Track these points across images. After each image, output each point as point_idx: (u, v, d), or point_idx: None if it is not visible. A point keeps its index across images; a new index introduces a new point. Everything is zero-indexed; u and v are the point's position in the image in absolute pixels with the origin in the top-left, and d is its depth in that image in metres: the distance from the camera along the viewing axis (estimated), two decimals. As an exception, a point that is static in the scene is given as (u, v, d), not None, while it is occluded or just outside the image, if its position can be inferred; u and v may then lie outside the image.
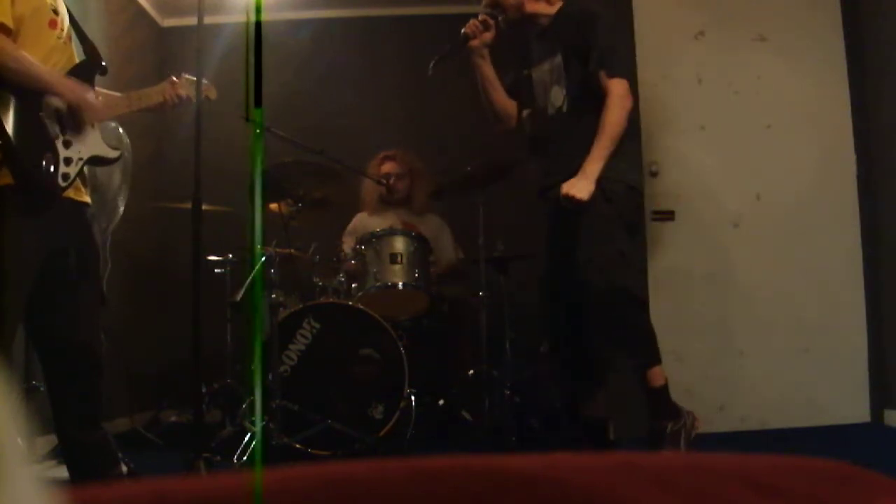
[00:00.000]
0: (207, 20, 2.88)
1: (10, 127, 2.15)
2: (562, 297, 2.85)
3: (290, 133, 3.50)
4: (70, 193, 2.33)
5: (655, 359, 2.72)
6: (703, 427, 2.78)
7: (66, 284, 2.32)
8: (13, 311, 2.20)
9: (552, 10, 2.88)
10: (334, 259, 3.72)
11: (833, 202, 3.76)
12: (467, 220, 4.02)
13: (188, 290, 2.53)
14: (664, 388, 2.70)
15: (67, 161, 2.29)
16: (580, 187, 2.65)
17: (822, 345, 3.68)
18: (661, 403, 2.69)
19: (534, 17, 2.91)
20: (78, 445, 2.37)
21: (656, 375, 2.70)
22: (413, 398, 3.48)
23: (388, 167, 4.28)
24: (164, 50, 5.10)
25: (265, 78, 0.84)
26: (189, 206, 2.58)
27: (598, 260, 2.66)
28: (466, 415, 3.76)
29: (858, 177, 3.74)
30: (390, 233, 3.74)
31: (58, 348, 2.36)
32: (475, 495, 0.78)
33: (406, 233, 3.78)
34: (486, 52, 2.99)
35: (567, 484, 0.79)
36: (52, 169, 2.24)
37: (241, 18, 4.29)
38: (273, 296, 3.39)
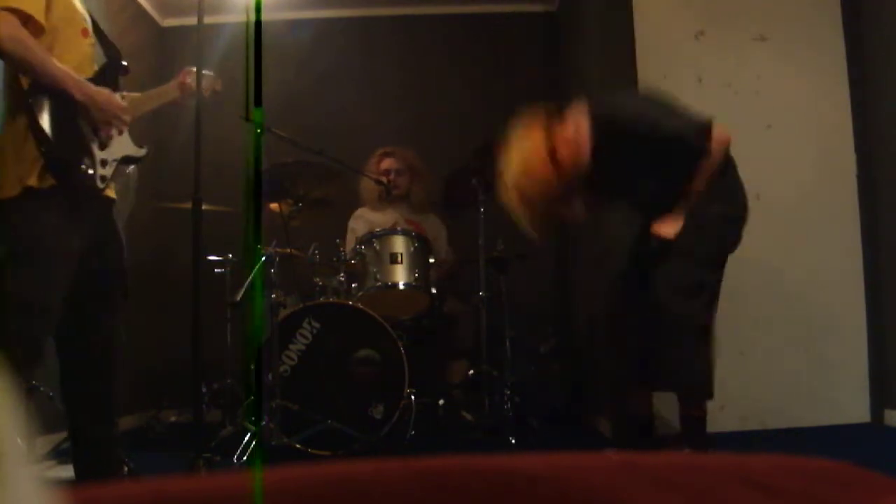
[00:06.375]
0: (207, 20, 2.89)
1: (48, 132, 2.25)
2: (631, 311, 2.80)
3: (290, 133, 3.50)
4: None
5: (702, 395, 2.69)
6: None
7: (97, 279, 2.40)
8: (55, 308, 2.28)
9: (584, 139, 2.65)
10: (334, 259, 3.72)
11: (833, 202, 3.76)
12: (467, 220, 4.03)
13: (188, 290, 2.53)
14: (701, 418, 2.69)
15: (104, 163, 2.39)
16: (668, 228, 2.65)
17: (822, 344, 3.68)
18: (693, 431, 2.69)
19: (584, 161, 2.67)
20: (92, 441, 2.42)
21: (696, 406, 2.69)
22: (413, 398, 3.48)
23: (386, 164, 4.28)
24: (164, 50, 5.10)
25: (265, 78, 0.85)
26: (189, 206, 2.59)
27: (675, 287, 2.63)
28: (466, 415, 3.76)
29: (858, 177, 3.74)
30: (390, 233, 3.74)
31: (83, 342, 2.41)
32: (475, 495, 0.78)
33: (406, 232, 3.77)
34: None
35: (567, 484, 0.79)
36: (90, 171, 2.34)
37: (241, 18, 4.29)
38: (273, 296, 3.40)
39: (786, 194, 3.75)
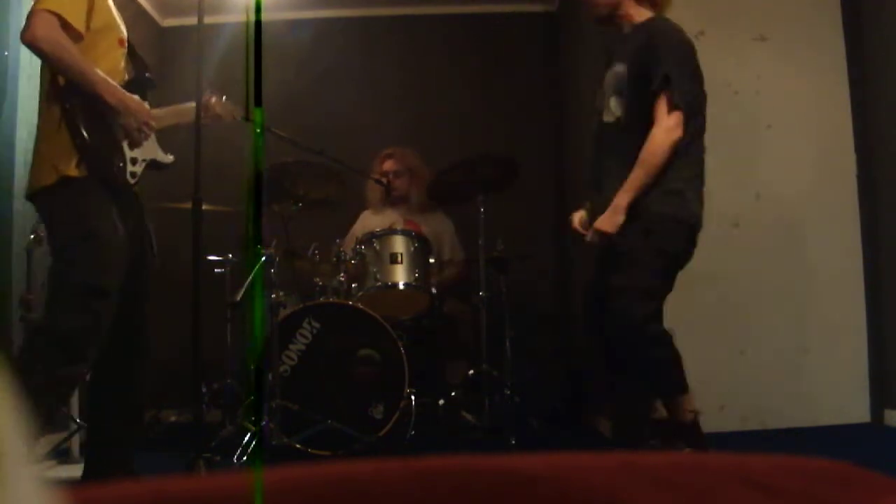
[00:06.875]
0: (207, 20, 2.88)
1: (82, 125, 2.34)
2: (595, 317, 2.82)
3: (290, 133, 3.50)
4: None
5: (672, 391, 2.68)
6: (704, 427, 2.78)
7: (132, 276, 2.48)
8: (113, 291, 2.36)
9: (639, 19, 2.76)
10: (334, 259, 3.72)
11: (833, 202, 3.76)
12: (467, 220, 4.02)
13: (188, 290, 2.53)
14: (691, 423, 2.68)
15: (133, 161, 2.49)
16: (607, 221, 2.61)
17: (822, 345, 3.68)
18: (687, 436, 2.67)
19: (621, 19, 2.79)
20: (111, 440, 2.45)
21: (681, 410, 2.67)
22: (413, 398, 3.48)
23: (386, 165, 4.30)
24: (164, 50, 5.10)
25: (265, 78, 0.85)
26: (189, 206, 2.59)
27: (622, 293, 2.60)
28: (466, 415, 3.76)
29: (858, 177, 3.74)
30: (390, 233, 3.74)
31: (116, 340, 2.46)
32: (475, 495, 0.78)
33: (406, 232, 3.78)
34: None
35: (567, 484, 0.79)
36: (121, 165, 2.44)
37: (241, 18, 4.29)
38: (273, 296, 3.39)
39: (786, 194, 3.75)
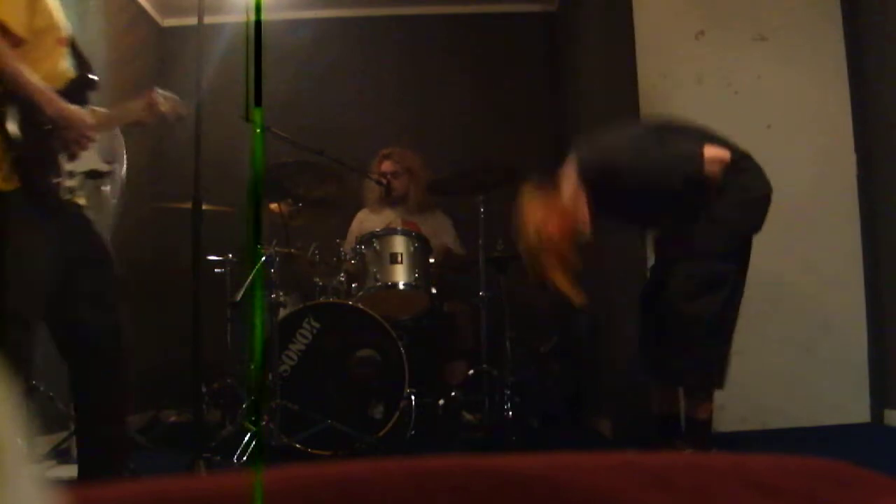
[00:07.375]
0: (207, 20, 2.89)
1: (17, 135, 2.21)
2: (653, 304, 2.84)
3: (290, 133, 3.50)
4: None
5: (713, 385, 2.71)
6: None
7: (84, 285, 2.37)
8: (33, 310, 2.24)
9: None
10: (334, 259, 3.72)
11: (833, 202, 3.76)
12: (467, 220, 4.02)
13: (188, 290, 2.53)
14: (705, 422, 2.71)
15: (70, 174, 2.36)
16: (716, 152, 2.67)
17: (822, 344, 3.68)
18: (697, 434, 2.70)
19: None
20: (103, 441, 2.42)
21: (703, 407, 2.71)
22: (413, 398, 3.48)
23: (385, 166, 4.30)
24: (164, 50, 5.10)
25: (265, 78, 0.85)
26: (189, 206, 2.59)
27: (687, 286, 2.65)
28: (466, 415, 3.76)
29: (858, 177, 3.74)
30: (390, 232, 3.74)
31: (85, 348, 2.40)
32: (475, 495, 0.78)
33: (406, 232, 3.77)
34: None
35: (567, 484, 0.79)
36: (56, 181, 2.30)
37: (241, 18, 4.29)
38: (273, 296, 3.39)
39: (786, 194, 3.74)
